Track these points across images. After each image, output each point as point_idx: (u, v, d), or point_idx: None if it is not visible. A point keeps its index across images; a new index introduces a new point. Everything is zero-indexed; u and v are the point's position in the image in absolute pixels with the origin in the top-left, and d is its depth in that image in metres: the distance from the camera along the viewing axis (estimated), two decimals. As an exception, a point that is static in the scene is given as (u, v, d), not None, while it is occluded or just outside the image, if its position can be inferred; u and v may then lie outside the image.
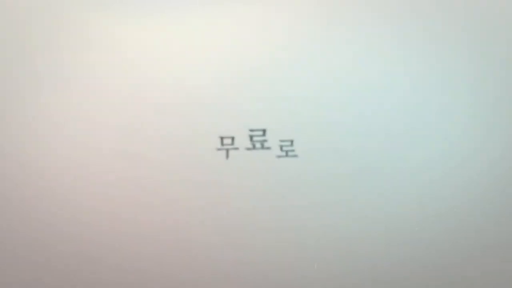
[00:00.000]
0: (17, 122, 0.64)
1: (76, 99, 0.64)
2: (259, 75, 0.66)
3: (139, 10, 0.65)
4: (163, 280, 0.67)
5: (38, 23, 0.64)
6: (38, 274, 0.66)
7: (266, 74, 0.66)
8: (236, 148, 0.66)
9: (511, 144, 0.70)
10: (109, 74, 0.64)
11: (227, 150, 0.66)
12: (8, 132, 0.64)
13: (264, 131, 0.66)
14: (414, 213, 0.69)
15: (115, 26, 0.65)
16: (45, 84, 0.64)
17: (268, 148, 0.66)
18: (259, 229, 0.68)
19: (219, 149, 0.66)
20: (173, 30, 0.65)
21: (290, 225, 0.68)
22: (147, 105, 0.65)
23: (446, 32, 0.68)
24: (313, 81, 0.67)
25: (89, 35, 0.64)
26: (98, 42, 0.64)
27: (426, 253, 0.70)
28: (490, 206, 0.70)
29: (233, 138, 0.66)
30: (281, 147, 0.66)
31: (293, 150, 0.67)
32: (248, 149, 0.66)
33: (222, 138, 0.66)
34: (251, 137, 0.66)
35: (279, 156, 0.67)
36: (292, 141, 0.67)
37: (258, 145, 0.66)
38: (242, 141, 0.66)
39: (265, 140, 0.66)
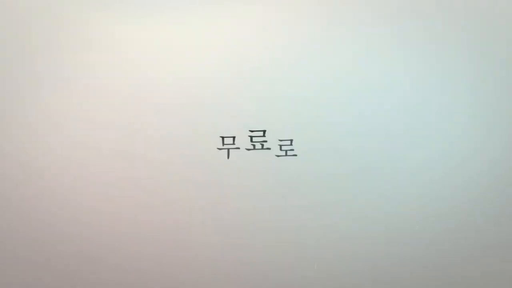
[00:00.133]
0: (17, 122, 0.64)
1: (76, 99, 0.64)
2: (259, 75, 0.66)
3: (139, 10, 0.65)
4: (163, 280, 0.67)
5: (38, 23, 0.64)
6: (38, 274, 0.66)
7: (266, 74, 0.66)
8: (237, 148, 0.66)
9: (511, 144, 0.70)
10: (109, 74, 0.64)
11: (228, 150, 0.66)
12: (8, 132, 0.64)
13: (264, 132, 0.66)
14: (414, 213, 0.69)
15: (115, 26, 0.65)
16: (45, 84, 0.64)
17: (268, 148, 0.66)
18: (259, 229, 0.68)
19: (220, 149, 0.66)
20: (173, 30, 0.65)
21: (290, 225, 0.68)
22: (147, 105, 0.65)
23: (446, 32, 0.68)
24: (313, 81, 0.67)
25: (89, 35, 0.64)
26: (98, 42, 0.64)
27: (426, 253, 0.70)
28: (490, 206, 0.70)
29: (234, 138, 0.66)
30: (280, 147, 0.67)
31: (292, 150, 0.67)
32: (248, 149, 0.66)
33: (223, 138, 0.66)
34: (251, 137, 0.66)
35: (278, 156, 0.67)
36: (291, 141, 0.67)
37: (258, 145, 0.66)
38: (243, 141, 0.66)
39: (265, 141, 0.66)
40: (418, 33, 0.68)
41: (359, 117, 0.67)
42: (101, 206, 0.65)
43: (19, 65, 0.64)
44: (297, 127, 0.67)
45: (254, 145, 0.66)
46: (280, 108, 0.66)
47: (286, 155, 0.67)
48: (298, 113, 0.66)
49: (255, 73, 0.66)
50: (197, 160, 0.66)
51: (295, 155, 0.67)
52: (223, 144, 0.66)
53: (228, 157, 0.66)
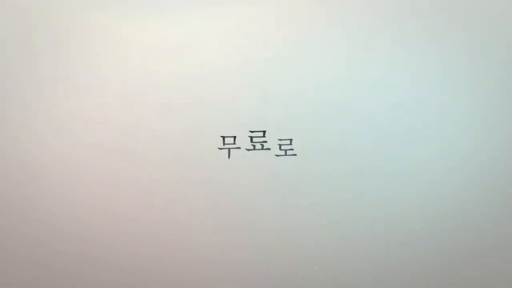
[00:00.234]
0: (17, 122, 0.64)
1: (76, 99, 0.64)
2: (259, 75, 0.66)
3: (139, 10, 0.65)
4: (163, 280, 0.67)
5: (38, 23, 0.64)
6: (38, 274, 0.66)
7: (266, 74, 0.66)
8: (238, 148, 0.66)
9: (511, 144, 0.70)
10: (109, 74, 0.64)
11: (229, 150, 0.66)
12: (8, 132, 0.64)
13: (264, 132, 0.66)
14: (414, 213, 0.69)
15: (115, 26, 0.65)
16: (45, 84, 0.64)
17: (268, 149, 0.66)
18: (259, 229, 0.68)
19: (221, 149, 0.66)
20: (173, 30, 0.65)
21: (290, 225, 0.68)
22: (147, 105, 0.65)
23: (446, 32, 0.68)
24: (313, 81, 0.67)
25: (89, 35, 0.64)
26: (98, 42, 0.64)
27: (426, 253, 0.70)
28: (490, 206, 0.70)
29: (234, 138, 0.66)
30: (280, 146, 0.67)
31: (292, 149, 0.67)
32: (249, 150, 0.66)
33: (224, 138, 0.66)
34: (251, 138, 0.66)
35: (278, 155, 0.67)
36: (291, 140, 0.67)
37: (258, 146, 0.66)
38: (243, 141, 0.66)
39: (265, 141, 0.66)
40: (418, 33, 0.68)
41: (359, 117, 0.67)
42: (101, 206, 0.65)
43: (19, 65, 0.64)
44: (297, 127, 0.67)
45: (254, 146, 0.66)
46: (280, 108, 0.66)
47: (285, 154, 0.67)
48: (298, 113, 0.66)
49: (255, 73, 0.66)
50: (197, 160, 0.66)
51: (295, 154, 0.67)
52: (224, 144, 0.66)
53: (229, 157, 0.66)
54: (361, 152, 0.68)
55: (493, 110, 0.69)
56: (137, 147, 0.65)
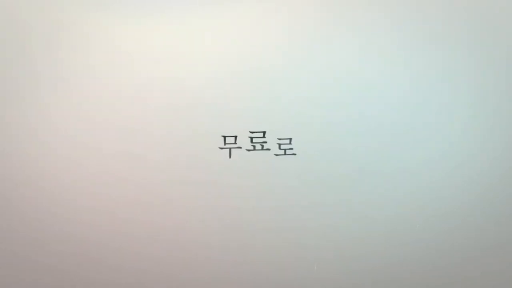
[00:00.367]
0: (17, 122, 0.64)
1: (76, 99, 0.64)
2: (259, 75, 0.66)
3: (139, 10, 0.65)
4: (163, 280, 0.67)
5: (38, 23, 0.64)
6: (38, 274, 0.66)
7: (266, 74, 0.66)
8: (239, 147, 0.66)
9: (511, 144, 0.70)
10: (109, 74, 0.64)
11: (230, 150, 0.66)
12: (8, 132, 0.64)
13: (264, 133, 0.66)
14: (414, 213, 0.69)
15: (115, 26, 0.65)
16: (45, 84, 0.64)
17: (268, 149, 0.66)
18: (259, 229, 0.68)
19: (222, 148, 0.66)
20: (173, 30, 0.65)
21: (290, 225, 0.68)
22: (147, 105, 0.65)
23: (446, 32, 0.68)
24: (313, 81, 0.67)
25: (89, 35, 0.64)
26: (98, 42, 0.64)
27: (426, 253, 0.70)
28: (490, 206, 0.70)
29: (235, 138, 0.66)
30: (279, 145, 0.66)
31: (291, 149, 0.67)
32: (249, 150, 0.66)
33: (224, 137, 0.66)
34: (251, 138, 0.66)
35: (277, 155, 0.67)
36: (290, 139, 0.67)
37: (258, 146, 0.66)
38: (243, 141, 0.66)
39: (265, 142, 0.66)
40: (418, 33, 0.68)
41: (359, 117, 0.67)
42: (101, 206, 0.65)
43: (19, 65, 0.64)
44: (297, 127, 0.67)
45: (254, 146, 0.66)
46: (280, 108, 0.66)
47: (285, 154, 0.67)
48: (298, 113, 0.66)
49: (255, 73, 0.66)
50: (196, 160, 0.66)
51: (294, 154, 0.67)
52: (225, 143, 0.66)
53: (230, 157, 0.66)
54: (361, 152, 0.68)
55: (493, 110, 0.69)
56: (137, 147, 0.65)
